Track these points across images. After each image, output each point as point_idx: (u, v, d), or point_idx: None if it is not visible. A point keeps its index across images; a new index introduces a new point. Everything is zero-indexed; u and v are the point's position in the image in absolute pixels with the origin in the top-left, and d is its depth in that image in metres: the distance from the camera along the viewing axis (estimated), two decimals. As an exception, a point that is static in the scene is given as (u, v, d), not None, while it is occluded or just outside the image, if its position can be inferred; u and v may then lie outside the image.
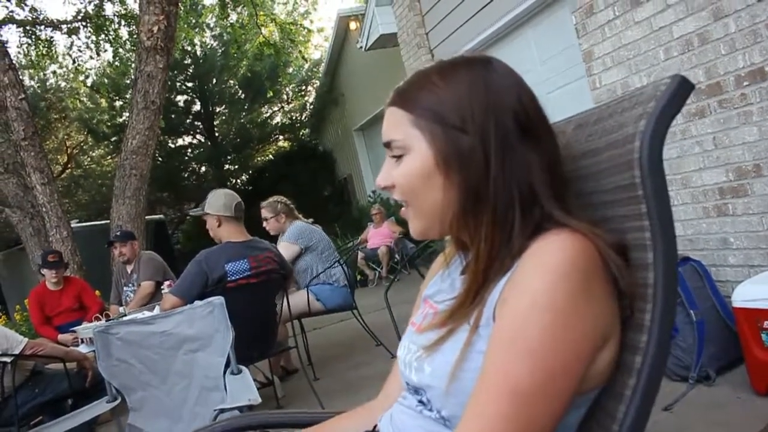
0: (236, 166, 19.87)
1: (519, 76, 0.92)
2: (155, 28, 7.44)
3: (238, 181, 19.69)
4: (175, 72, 16.91)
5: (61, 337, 5.00)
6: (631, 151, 0.81)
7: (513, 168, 0.86)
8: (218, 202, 3.81)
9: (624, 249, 0.83)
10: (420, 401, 0.96)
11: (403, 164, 0.92)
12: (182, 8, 12.56)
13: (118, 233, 5.66)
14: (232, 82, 18.90)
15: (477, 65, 0.91)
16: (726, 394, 2.75)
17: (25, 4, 11.60)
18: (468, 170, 0.87)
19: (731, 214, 3.28)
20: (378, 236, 9.59)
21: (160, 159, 17.29)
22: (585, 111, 1.00)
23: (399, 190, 0.94)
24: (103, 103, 18.78)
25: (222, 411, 2.33)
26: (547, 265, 0.78)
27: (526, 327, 0.77)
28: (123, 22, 12.51)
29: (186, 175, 19.67)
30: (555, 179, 0.88)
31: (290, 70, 19.20)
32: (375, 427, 1.13)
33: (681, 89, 0.80)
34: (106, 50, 13.27)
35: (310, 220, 5.15)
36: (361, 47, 10.23)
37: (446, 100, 0.89)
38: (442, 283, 1.05)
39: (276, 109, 20.00)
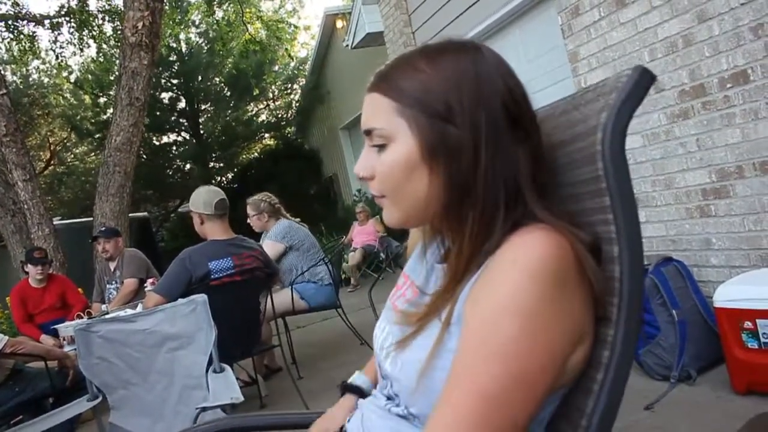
0: (222, 164, 19.81)
1: (508, 65, 0.88)
2: (140, 24, 7.38)
3: (224, 179, 19.63)
4: (161, 69, 16.81)
5: (43, 338, 4.94)
6: (593, 144, 0.80)
7: (502, 162, 0.82)
8: (199, 199, 3.78)
9: (599, 245, 0.81)
10: (388, 396, 0.95)
11: (385, 154, 0.88)
12: (167, 4, 12.48)
13: (104, 229, 5.61)
14: (217, 79, 18.85)
15: (466, 52, 0.87)
16: (706, 393, 2.78)
17: (8, -1, 11.49)
18: (456, 164, 0.83)
19: (714, 215, 3.31)
20: (363, 234, 9.58)
21: (144, 156, 17.20)
22: (551, 103, 0.97)
23: (378, 181, 0.90)
24: (87, 99, 18.67)
25: (204, 409, 2.32)
26: (518, 265, 0.75)
27: (495, 330, 0.74)
28: (107, 18, 12.43)
29: (171, 173, 19.57)
30: (539, 173, 0.85)
31: (276, 68, 19.21)
32: (342, 427, 1.11)
33: (642, 80, 0.79)
34: (89, 46, 13.22)
35: (297, 219, 5.14)
36: (347, 45, 10.23)
37: (433, 88, 0.84)
38: (420, 263, 1.02)
39: (262, 107, 19.97)
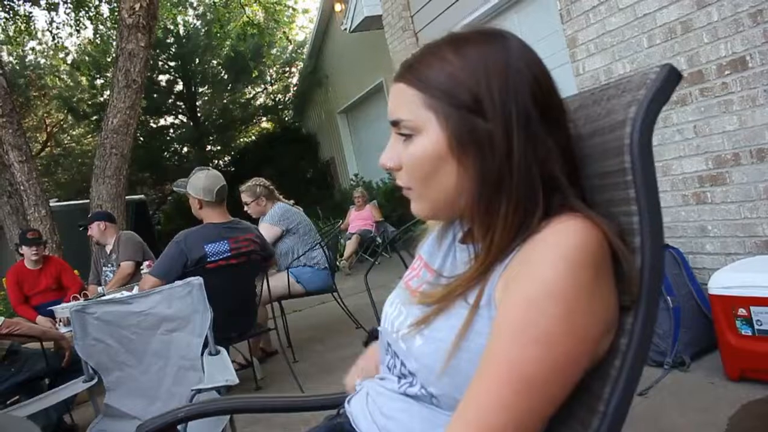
0: (219, 147, 19.73)
1: (535, 53, 0.87)
2: (137, 6, 7.32)
3: (221, 162, 19.55)
4: (158, 51, 16.70)
5: (39, 319, 4.94)
6: (621, 137, 0.81)
7: (535, 154, 0.81)
8: (199, 184, 3.76)
9: (623, 237, 0.81)
10: (401, 375, 0.94)
11: (412, 146, 0.87)
12: (165, -14, 12.39)
13: (89, 216, 5.60)
14: (215, 62, 18.72)
15: (493, 41, 0.85)
16: (700, 379, 2.79)
17: (3, -22, 11.38)
18: (487, 157, 0.82)
19: (710, 202, 3.31)
20: (359, 219, 9.58)
21: (141, 139, 17.12)
22: (566, 97, 0.99)
23: (406, 173, 0.89)
24: (84, 81, 18.53)
25: (199, 391, 2.33)
26: (560, 254, 0.76)
27: (536, 316, 0.74)
28: (104, -1, 12.31)
29: (168, 156, 19.48)
30: (571, 163, 0.85)
31: (274, 50, 19.07)
32: (339, 409, 1.11)
33: (670, 78, 0.80)
34: (86, 27, 13.05)
35: (291, 201, 5.13)
36: (345, 29, 10.17)
37: (460, 79, 0.83)
38: (440, 243, 1.02)
39: (259, 90, 19.85)
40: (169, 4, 14.89)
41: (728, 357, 2.72)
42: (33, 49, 17.41)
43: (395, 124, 0.89)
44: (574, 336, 0.75)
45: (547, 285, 0.74)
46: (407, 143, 0.88)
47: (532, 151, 0.81)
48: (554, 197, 0.83)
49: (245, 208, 4.96)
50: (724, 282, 2.75)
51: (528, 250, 0.79)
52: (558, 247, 0.76)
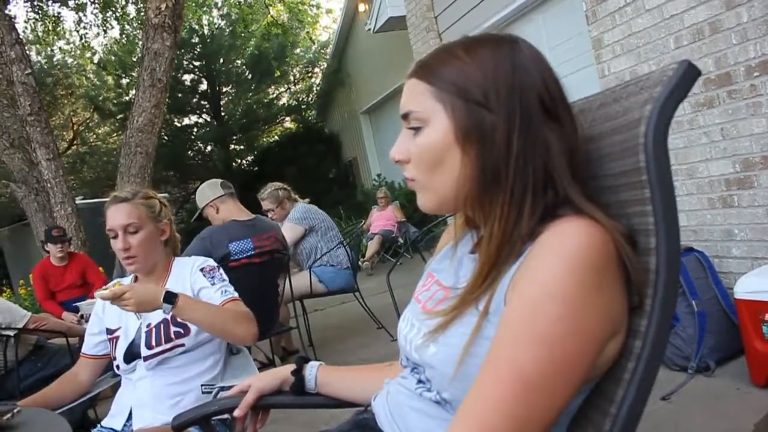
0: (242, 147, 19.88)
1: (545, 58, 0.90)
2: (163, 6, 7.39)
3: (244, 161, 19.71)
4: (183, 51, 16.86)
5: (65, 315, 5.01)
6: (636, 136, 0.80)
7: (533, 149, 0.84)
8: (204, 191, 3.89)
9: (633, 237, 0.82)
10: (419, 380, 0.96)
11: (420, 136, 0.90)
12: (190, -14, 12.49)
13: None
14: (239, 61, 18.87)
15: (504, 44, 0.89)
16: (725, 385, 2.76)
17: (33, -21, 11.55)
18: (488, 148, 0.85)
19: (736, 205, 3.27)
20: (382, 219, 9.59)
21: (165, 138, 17.29)
22: (588, 96, 0.98)
23: (413, 163, 0.92)
24: (110, 80, 18.77)
25: (222, 388, 2.33)
26: (561, 254, 0.77)
27: (536, 316, 0.75)
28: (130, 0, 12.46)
29: (191, 155, 19.67)
30: (575, 163, 0.87)
31: (298, 50, 19.18)
32: (368, 406, 1.13)
33: (688, 74, 0.79)
34: (113, 27, 13.21)
35: (307, 200, 5.14)
36: (369, 29, 10.19)
37: (471, 75, 0.87)
38: (451, 258, 1.03)
39: (283, 90, 19.97)
40: (194, 4, 15.00)
41: (754, 363, 2.68)
42: (61, 48, 17.69)
43: (405, 116, 0.92)
44: (575, 336, 0.75)
45: (548, 285, 0.76)
46: (416, 136, 0.91)
47: (531, 147, 0.84)
48: (550, 194, 0.85)
49: (270, 215, 4.91)
50: (750, 287, 2.71)
51: (532, 254, 0.81)
52: (560, 248, 0.78)
